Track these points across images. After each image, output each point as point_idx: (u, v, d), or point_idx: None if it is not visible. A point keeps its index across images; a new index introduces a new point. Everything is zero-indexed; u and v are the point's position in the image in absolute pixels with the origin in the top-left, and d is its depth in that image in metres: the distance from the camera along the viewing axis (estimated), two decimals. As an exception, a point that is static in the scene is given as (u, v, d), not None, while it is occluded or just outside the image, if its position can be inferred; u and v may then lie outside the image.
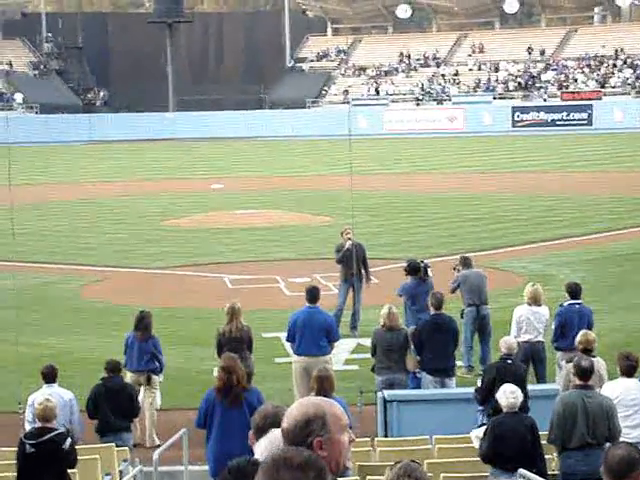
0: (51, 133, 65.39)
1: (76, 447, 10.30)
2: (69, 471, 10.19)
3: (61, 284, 24.42)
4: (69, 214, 36.57)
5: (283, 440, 3.88)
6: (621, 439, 8.84)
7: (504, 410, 9.90)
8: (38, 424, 10.25)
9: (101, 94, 79.45)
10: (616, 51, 70.26)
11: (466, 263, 16.73)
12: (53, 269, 26.11)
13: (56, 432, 10.12)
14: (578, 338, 11.99)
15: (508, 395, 9.89)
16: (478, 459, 10.43)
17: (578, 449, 9.71)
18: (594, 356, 11.87)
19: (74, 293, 23.42)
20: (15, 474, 10.20)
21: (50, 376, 12.01)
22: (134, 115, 70.41)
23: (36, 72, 77.19)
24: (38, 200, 40.14)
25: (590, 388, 9.93)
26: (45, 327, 19.99)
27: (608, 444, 9.50)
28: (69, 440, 10.12)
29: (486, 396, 11.41)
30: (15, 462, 10.17)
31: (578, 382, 9.94)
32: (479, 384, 11.90)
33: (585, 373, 9.91)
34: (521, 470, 9.49)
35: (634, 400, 10.43)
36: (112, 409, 12.11)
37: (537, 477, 9.31)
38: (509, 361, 11.72)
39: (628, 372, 10.51)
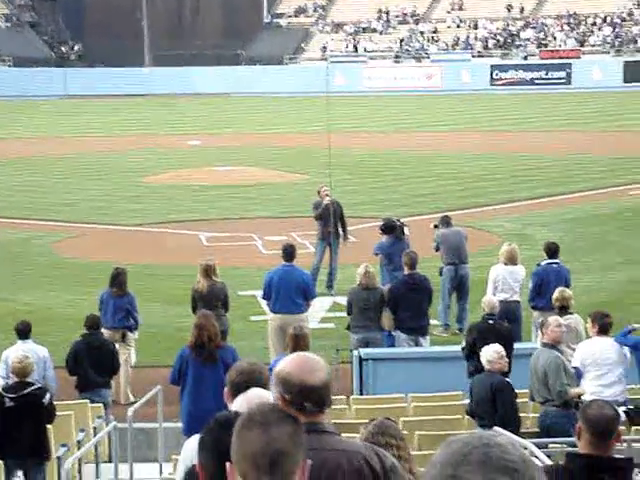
0: (25, 87, 64.56)
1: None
2: (44, 427, 10.17)
3: (36, 240, 24.23)
4: (44, 169, 36.24)
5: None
6: (595, 397, 8.87)
7: (485, 368, 9.94)
8: (15, 379, 10.20)
9: (75, 48, 78.49)
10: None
11: (446, 222, 16.72)
12: (27, 225, 25.90)
13: (36, 386, 10.11)
14: (555, 295, 12.04)
15: (489, 354, 9.92)
16: (453, 417, 10.48)
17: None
18: (571, 313, 11.91)
19: (49, 249, 23.26)
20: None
21: (24, 332, 11.95)
22: (110, 70, 69.63)
23: (9, 24, 76.09)
24: (12, 155, 39.74)
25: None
26: (19, 283, 19.86)
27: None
28: (49, 395, 10.12)
29: (468, 355, 11.45)
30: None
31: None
32: (464, 343, 11.93)
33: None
34: (496, 428, 9.52)
35: (608, 359, 10.47)
36: (92, 365, 12.08)
37: (511, 435, 9.33)
38: (491, 321, 11.74)
39: (602, 331, 10.55)
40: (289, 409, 3.50)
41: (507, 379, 9.97)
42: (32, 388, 10.04)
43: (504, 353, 9.96)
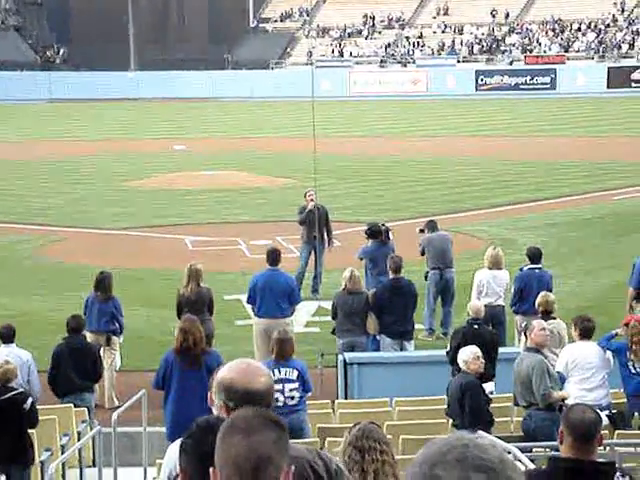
0: (9, 91, 64.37)
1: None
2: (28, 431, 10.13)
3: (19, 244, 24.15)
4: (28, 173, 36.13)
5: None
6: (578, 401, 8.91)
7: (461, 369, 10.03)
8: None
9: (61, 52, 78.31)
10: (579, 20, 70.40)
11: (432, 226, 16.75)
12: (11, 229, 25.81)
13: (16, 391, 10.07)
14: (538, 300, 12.09)
15: (465, 355, 9.99)
16: (437, 421, 10.51)
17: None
18: (554, 317, 11.96)
19: (33, 253, 23.19)
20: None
21: (8, 336, 11.90)
22: (95, 74, 69.51)
23: (-6, 28, 75.95)
24: (-3, 159, 39.61)
25: None
26: (3, 287, 19.78)
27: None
28: (30, 399, 10.08)
29: (453, 359, 11.49)
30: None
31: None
32: (449, 347, 11.97)
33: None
34: (479, 432, 9.55)
35: (591, 363, 10.52)
36: (75, 369, 12.00)
37: (491, 437, 9.37)
38: (476, 325, 11.77)
39: (585, 335, 10.60)
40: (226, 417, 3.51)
41: (476, 380, 9.98)
42: (13, 393, 10.00)
43: (480, 354, 10.00)
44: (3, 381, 10.05)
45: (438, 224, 17.10)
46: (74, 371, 12.00)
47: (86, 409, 11.89)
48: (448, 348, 11.90)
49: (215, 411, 4.09)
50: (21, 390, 10.33)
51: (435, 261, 16.31)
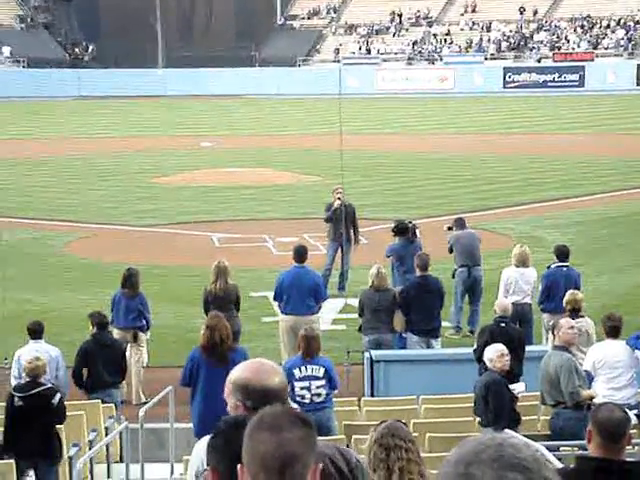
0: (39, 88, 64.75)
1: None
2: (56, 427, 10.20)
3: (48, 240, 24.30)
4: (58, 170, 36.35)
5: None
6: (606, 400, 8.85)
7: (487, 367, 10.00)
8: (27, 379, 10.26)
9: (89, 49, 78.67)
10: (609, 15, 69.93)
11: (460, 224, 16.70)
12: (40, 225, 25.98)
13: (45, 387, 10.16)
14: (566, 298, 12.03)
15: (490, 353, 9.96)
16: (464, 419, 10.48)
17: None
18: (582, 316, 11.89)
19: (61, 250, 23.33)
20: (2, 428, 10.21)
21: (37, 332, 11.99)
22: (123, 71, 69.80)
23: (23, 26, 76.34)
24: (26, 155, 39.87)
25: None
26: (31, 283, 19.92)
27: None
28: (58, 395, 10.15)
29: (479, 357, 11.45)
30: (4, 416, 10.18)
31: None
32: (476, 345, 11.93)
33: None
34: (507, 430, 9.52)
35: (619, 362, 10.45)
36: (104, 364, 12.06)
37: (519, 435, 9.33)
38: (502, 323, 11.72)
39: (613, 333, 10.54)
40: (251, 415, 3.52)
41: (502, 377, 9.93)
42: (41, 388, 10.08)
43: (506, 352, 9.96)
44: (33, 376, 10.14)
45: (466, 222, 17.05)
46: (103, 367, 12.06)
47: (113, 405, 11.96)
48: (475, 346, 11.87)
49: (231, 411, 4.09)
50: (50, 385, 10.42)
51: (463, 259, 16.26)
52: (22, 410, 9.99)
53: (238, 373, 3.90)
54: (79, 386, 12.14)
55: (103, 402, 11.79)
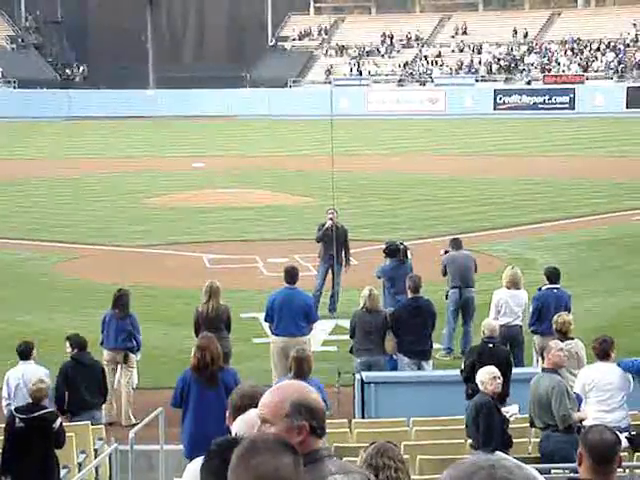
0: (29, 108, 64.75)
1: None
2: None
3: (38, 261, 24.24)
4: (47, 190, 36.31)
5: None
6: (597, 422, 8.84)
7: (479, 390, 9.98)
8: (28, 400, 10.24)
9: (80, 69, 78.76)
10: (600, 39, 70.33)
11: (456, 244, 16.70)
12: (29, 245, 25.91)
13: (47, 410, 10.11)
14: (554, 319, 12.03)
15: (481, 376, 9.94)
16: (455, 441, 10.45)
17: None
18: (572, 338, 11.88)
19: (51, 270, 23.26)
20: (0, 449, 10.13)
21: (26, 353, 11.93)
22: (114, 92, 69.86)
23: (14, 46, 76.40)
24: (16, 176, 39.82)
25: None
26: (20, 304, 19.84)
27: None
28: (59, 420, 10.10)
29: (467, 378, 11.43)
30: (4, 437, 10.10)
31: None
32: (463, 366, 11.91)
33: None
34: (498, 453, 9.49)
35: (610, 384, 10.44)
36: (85, 385, 12.00)
37: (509, 457, 9.30)
38: (490, 344, 11.71)
39: (603, 356, 10.53)
40: (309, 437, 3.50)
41: (491, 400, 9.90)
42: (44, 411, 10.03)
43: (498, 374, 9.94)
44: (36, 399, 10.10)
45: (462, 243, 17.03)
46: (85, 388, 12.01)
47: (103, 426, 11.88)
48: (462, 366, 11.86)
49: (287, 434, 3.75)
50: (52, 410, 10.36)
51: (456, 280, 16.25)
52: (23, 432, 9.92)
53: (302, 394, 3.71)
54: (62, 412, 12.04)
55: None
